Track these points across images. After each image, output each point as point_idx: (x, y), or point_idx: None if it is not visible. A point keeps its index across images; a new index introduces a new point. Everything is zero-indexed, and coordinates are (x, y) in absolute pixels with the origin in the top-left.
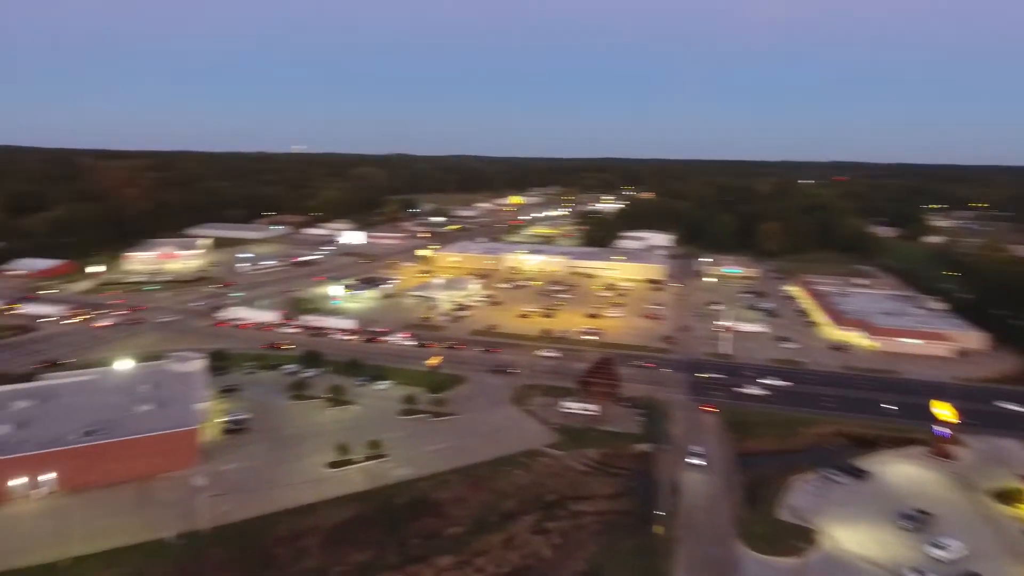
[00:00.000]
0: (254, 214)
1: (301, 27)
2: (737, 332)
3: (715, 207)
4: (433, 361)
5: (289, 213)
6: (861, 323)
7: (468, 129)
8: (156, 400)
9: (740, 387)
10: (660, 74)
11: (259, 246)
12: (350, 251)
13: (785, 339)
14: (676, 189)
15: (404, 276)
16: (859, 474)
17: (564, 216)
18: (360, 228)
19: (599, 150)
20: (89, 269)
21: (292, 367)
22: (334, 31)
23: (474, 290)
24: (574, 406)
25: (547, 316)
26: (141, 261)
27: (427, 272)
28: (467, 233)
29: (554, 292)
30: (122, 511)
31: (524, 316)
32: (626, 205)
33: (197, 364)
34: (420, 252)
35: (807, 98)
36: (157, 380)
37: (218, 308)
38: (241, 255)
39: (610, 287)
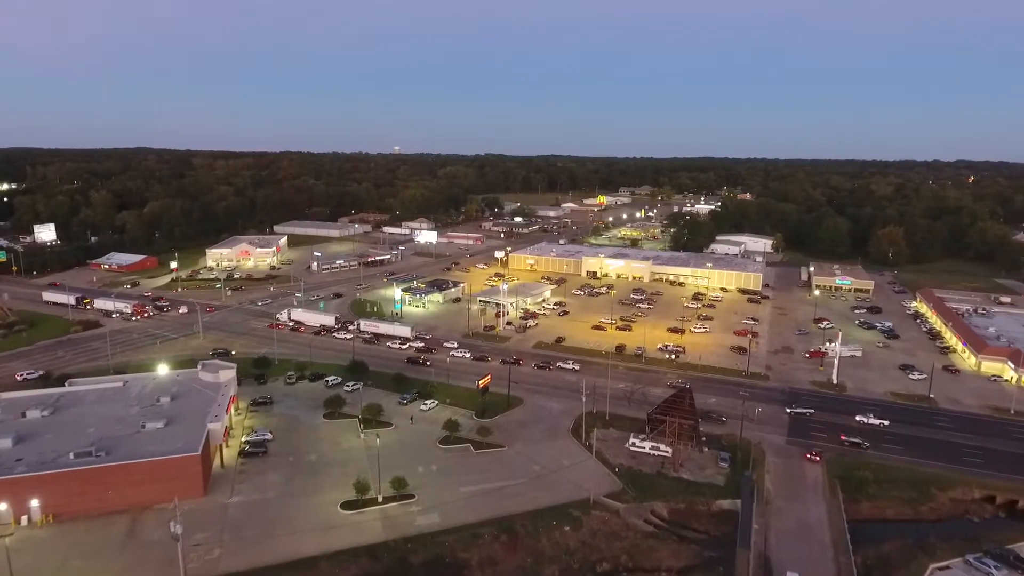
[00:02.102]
0: (339, 212)
1: (405, 31)
2: (849, 357)
3: (824, 209)
4: (484, 382)
5: (371, 211)
6: (1011, 351)
7: (560, 129)
8: (171, 416)
9: (853, 429)
10: (762, 68)
11: (336, 244)
12: (423, 251)
13: (910, 368)
14: (779, 189)
15: (474, 279)
16: (1021, 565)
17: (652, 218)
18: (439, 227)
19: (696, 149)
20: (172, 264)
21: (334, 378)
22: (433, 34)
23: (546, 297)
24: (645, 445)
25: (624, 329)
26: (219, 257)
27: (499, 275)
28: (547, 234)
29: (635, 301)
30: (103, 551)
31: (598, 328)
32: (720, 206)
33: (226, 375)
34: (496, 255)
35: (928, 90)
36: (180, 391)
37: (279, 308)
38: (316, 253)
39: (698, 297)
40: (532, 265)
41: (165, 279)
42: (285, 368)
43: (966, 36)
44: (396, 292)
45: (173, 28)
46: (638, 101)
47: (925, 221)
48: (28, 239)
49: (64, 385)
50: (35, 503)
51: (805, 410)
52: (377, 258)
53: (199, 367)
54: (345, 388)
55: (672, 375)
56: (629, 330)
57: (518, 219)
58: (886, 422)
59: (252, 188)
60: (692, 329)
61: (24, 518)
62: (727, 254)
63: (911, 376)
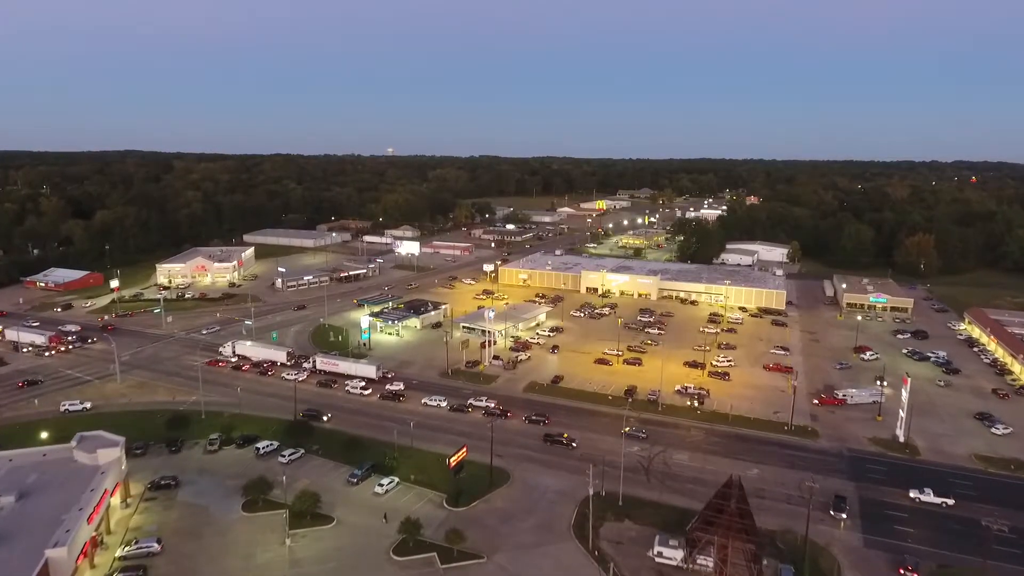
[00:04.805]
0: (318, 220)
1: (394, 29)
2: (871, 403)
3: (842, 215)
4: (456, 458)
5: (352, 219)
6: None
7: (554, 129)
8: (8, 530)
9: (954, 518)
10: (757, 66)
11: (309, 256)
12: (404, 264)
13: (988, 418)
14: (788, 192)
15: (460, 298)
16: None
17: (655, 224)
18: (424, 236)
19: (693, 150)
20: (113, 283)
21: (268, 444)
22: (425, 31)
23: (541, 320)
24: (675, 555)
25: (633, 363)
26: (171, 274)
27: (488, 292)
28: (542, 242)
29: (642, 324)
30: None
31: (603, 361)
32: (728, 211)
33: (107, 455)
34: (484, 268)
35: (922, 89)
36: (36, 484)
37: (226, 338)
38: (280, 268)
39: (715, 319)
40: (525, 280)
41: (105, 300)
42: (211, 426)
43: (959, 33)
44: (364, 318)
45: (169, 24)
46: (634, 101)
47: (957, 228)
48: None
49: None
50: None
51: (894, 488)
52: (351, 273)
53: (74, 441)
54: (281, 457)
55: (697, 431)
56: (639, 364)
57: (511, 226)
58: (950, 500)
59: (223, 193)
60: (713, 362)
61: None
62: (740, 265)
63: (993, 430)
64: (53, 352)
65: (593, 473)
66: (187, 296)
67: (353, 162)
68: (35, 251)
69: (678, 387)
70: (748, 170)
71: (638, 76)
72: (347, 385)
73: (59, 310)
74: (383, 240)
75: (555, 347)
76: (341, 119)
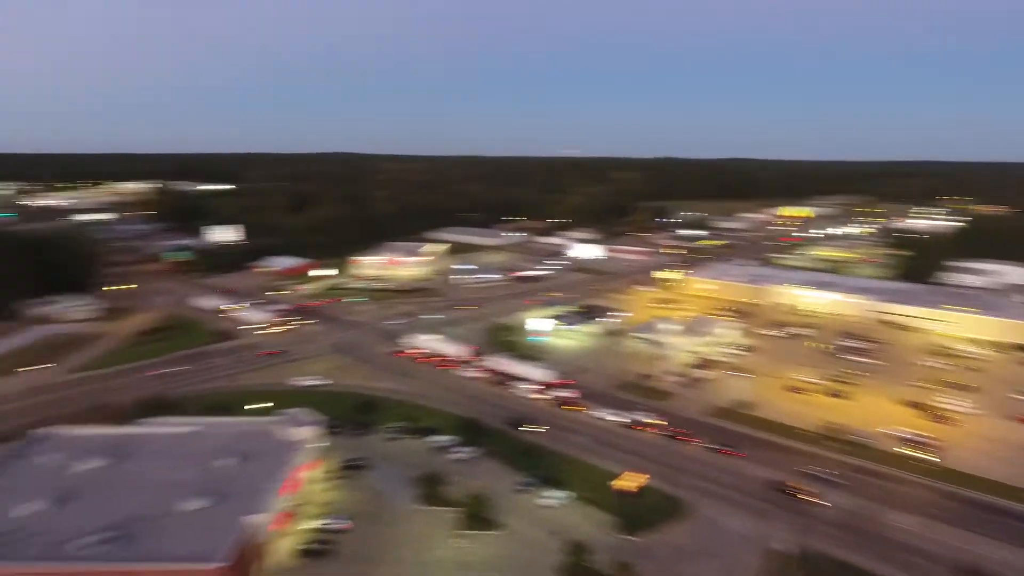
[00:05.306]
0: (498, 219)
1: (589, 32)
2: None
3: None
4: (627, 483)
5: (532, 219)
6: None
7: (741, 129)
8: (219, 491)
9: None
10: (982, 52)
11: (489, 254)
12: (584, 267)
13: None
14: None
15: (637, 306)
16: None
17: (862, 235)
18: (602, 239)
19: (904, 151)
20: (320, 272)
21: (443, 438)
22: (617, 37)
23: (726, 337)
24: None
25: (836, 395)
26: (368, 266)
27: (666, 303)
28: (728, 251)
29: (846, 351)
30: None
31: (797, 390)
32: (966, 223)
33: (305, 432)
34: (664, 275)
35: None
36: (250, 450)
37: (411, 330)
38: (459, 266)
39: (942, 351)
40: (710, 291)
41: (314, 287)
42: (394, 414)
43: None
44: (537, 320)
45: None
46: (829, 95)
47: None
48: (209, 240)
49: (147, 420)
50: None
51: None
52: (528, 273)
53: (283, 415)
54: (455, 454)
55: (920, 488)
56: (842, 397)
57: (694, 231)
58: None
59: (414, 193)
60: (940, 404)
61: None
62: (977, 288)
63: None
64: (273, 331)
65: (787, 521)
66: (380, 288)
67: (535, 163)
68: (264, 241)
69: (893, 430)
70: (968, 173)
71: (835, 71)
72: (519, 387)
73: (278, 293)
74: (562, 242)
75: (740, 368)
76: (523, 121)
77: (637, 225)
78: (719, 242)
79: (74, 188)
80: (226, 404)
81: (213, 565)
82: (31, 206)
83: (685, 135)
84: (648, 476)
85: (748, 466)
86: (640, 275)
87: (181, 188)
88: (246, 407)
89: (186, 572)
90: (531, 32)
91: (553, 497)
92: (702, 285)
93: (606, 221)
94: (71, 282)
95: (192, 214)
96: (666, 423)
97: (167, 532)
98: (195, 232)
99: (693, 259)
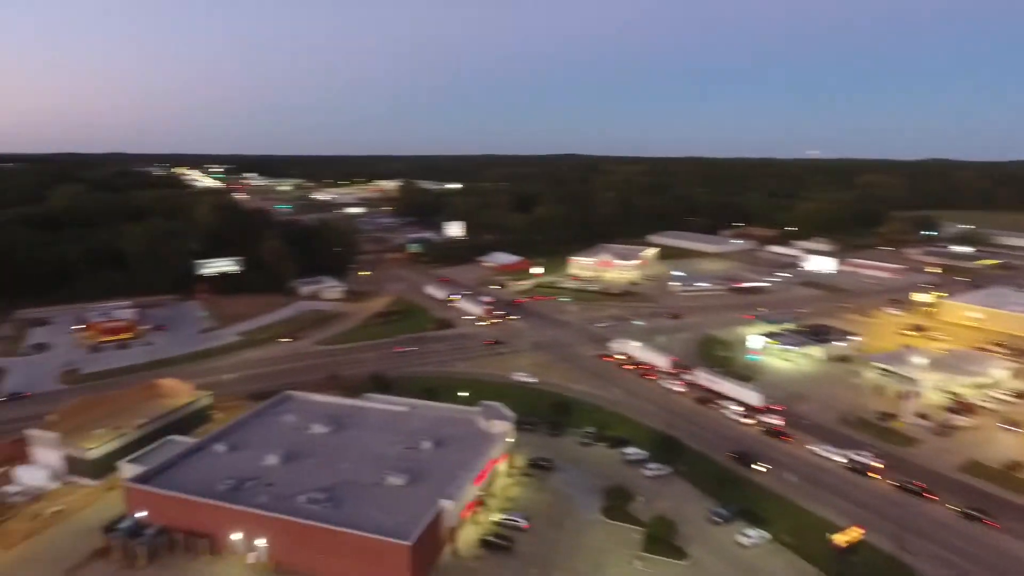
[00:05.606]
0: (722, 224)
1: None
2: None
3: None
4: (846, 538)
5: (759, 225)
6: None
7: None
8: (419, 471)
9: None
10: None
11: (709, 262)
12: (814, 281)
13: None
14: None
15: (879, 331)
16: None
17: None
18: (841, 251)
19: None
20: (535, 269)
21: (636, 451)
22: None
23: (996, 378)
24: None
25: None
26: (581, 267)
27: (917, 330)
28: (1009, 273)
29: None
30: None
31: None
32: None
33: (502, 426)
34: (916, 296)
35: None
36: (449, 436)
37: (617, 334)
38: (676, 272)
39: None
40: (976, 320)
41: (528, 283)
42: (589, 419)
43: None
44: (755, 336)
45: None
46: None
47: None
48: (442, 234)
49: (371, 395)
50: (262, 543)
51: None
52: (750, 284)
53: (479, 407)
54: (646, 469)
55: None
56: None
57: (962, 248)
58: None
59: (637, 195)
60: None
61: (252, 556)
62: None
63: None
64: (485, 323)
65: None
66: (591, 289)
67: (766, 166)
68: (488, 236)
69: None
70: None
71: None
72: (726, 407)
73: (496, 287)
74: (791, 252)
75: (1011, 419)
76: (758, 121)
77: (888, 237)
78: (992, 261)
79: (338, 185)
80: (434, 388)
81: (406, 542)
82: (304, 200)
83: (960, 132)
84: (864, 529)
85: (1005, 540)
86: (885, 295)
87: (423, 186)
88: (459, 393)
89: (381, 544)
90: (772, 23)
91: (750, 535)
92: (967, 312)
93: (847, 231)
94: (330, 265)
95: (430, 210)
96: (903, 473)
97: (367, 502)
98: (432, 226)
99: (957, 280)
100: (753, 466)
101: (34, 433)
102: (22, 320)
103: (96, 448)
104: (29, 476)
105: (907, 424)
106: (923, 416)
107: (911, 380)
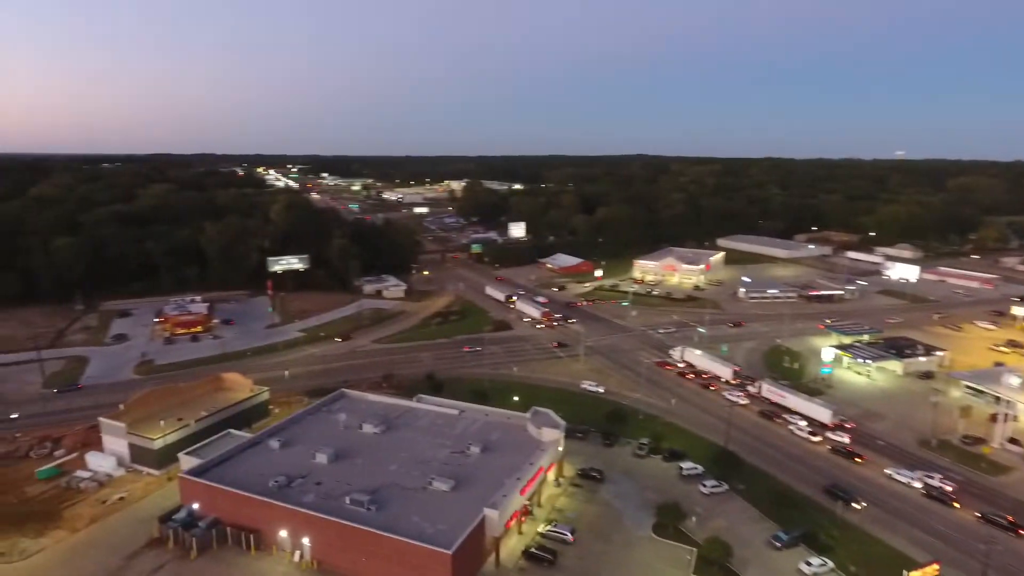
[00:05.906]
0: (796, 228)
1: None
2: None
3: None
4: (925, 573)
5: (836, 230)
6: None
7: None
8: (465, 476)
9: None
10: None
11: (780, 267)
12: (895, 290)
13: None
14: None
15: (967, 345)
16: None
17: None
18: (928, 259)
19: None
20: (597, 272)
21: (693, 466)
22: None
23: None
24: None
25: None
26: (645, 270)
27: (1015, 346)
28: None
29: None
30: None
31: None
32: None
33: (552, 434)
34: (1015, 311)
35: None
36: (498, 442)
37: (678, 341)
38: (744, 278)
39: None
40: None
41: (589, 286)
42: (645, 429)
43: None
44: (828, 348)
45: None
46: None
47: None
48: (505, 234)
49: (417, 398)
50: (307, 541)
51: None
52: (824, 292)
53: (530, 413)
54: (702, 486)
55: None
56: None
57: None
58: None
59: (707, 196)
60: None
61: (297, 553)
62: None
63: None
64: (543, 326)
65: None
66: (654, 293)
67: (848, 167)
68: (551, 238)
69: None
70: None
71: None
72: (792, 423)
73: (556, 289)
74: (871, 259)
75: None
76: (840, 121)
77: (981, 245)
78: None
79: (407, 185)
80: (485, 391)
81: (448, 551)
82: (373, 199)
83: None
84: (940, 564)
85: None
86: (976, 306)
87: (489, 187)
88: (514, 398)
89: (422, 551)
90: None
91: (812, 563)
92: None
93: (935, 237)
94: (393, 264)
95: (495, 210)
96: (991, 504)
97: (412, 506)
98: (496, 227)
99: None
100: (853, 504)
101: (105, 421)
102: (108, 311)
103: (160, 438)
104: (98, 462)
105: (997, 449)
106: (1016, 442)
107: (1004, 401)
